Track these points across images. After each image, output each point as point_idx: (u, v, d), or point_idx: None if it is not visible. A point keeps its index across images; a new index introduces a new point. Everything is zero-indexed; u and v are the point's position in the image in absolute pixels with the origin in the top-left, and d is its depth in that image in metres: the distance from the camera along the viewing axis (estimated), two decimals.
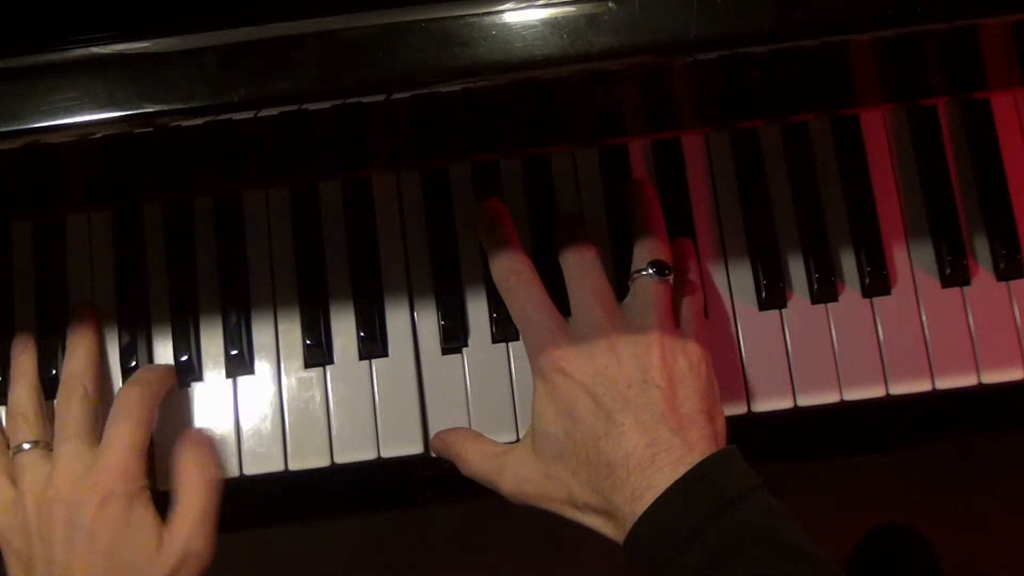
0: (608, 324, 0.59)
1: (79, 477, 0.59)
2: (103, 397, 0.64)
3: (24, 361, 0.64)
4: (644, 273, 0.61)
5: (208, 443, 0.63)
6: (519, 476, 0.59)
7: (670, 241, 0.64)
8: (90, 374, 0.63)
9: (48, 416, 0.63)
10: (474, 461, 0.61)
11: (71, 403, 0.62)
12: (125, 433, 0.60)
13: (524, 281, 0.61)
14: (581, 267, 0.62)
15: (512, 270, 0.62)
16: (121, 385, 0.65)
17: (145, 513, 0.59)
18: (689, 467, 0.54)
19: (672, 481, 0.54)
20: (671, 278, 0.61)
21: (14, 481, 0.61)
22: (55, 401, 0.63)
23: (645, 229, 0.63)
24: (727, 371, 0.65)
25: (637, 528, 0.54)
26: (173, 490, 0.61)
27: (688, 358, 0.59)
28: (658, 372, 0.57)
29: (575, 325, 0.60)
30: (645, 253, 0.62)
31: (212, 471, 0.61)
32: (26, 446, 0.61)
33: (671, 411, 0.56)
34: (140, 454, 0.60)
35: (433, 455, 0.64)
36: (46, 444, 0.62)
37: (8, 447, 0.62)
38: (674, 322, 0.60)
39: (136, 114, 0.47)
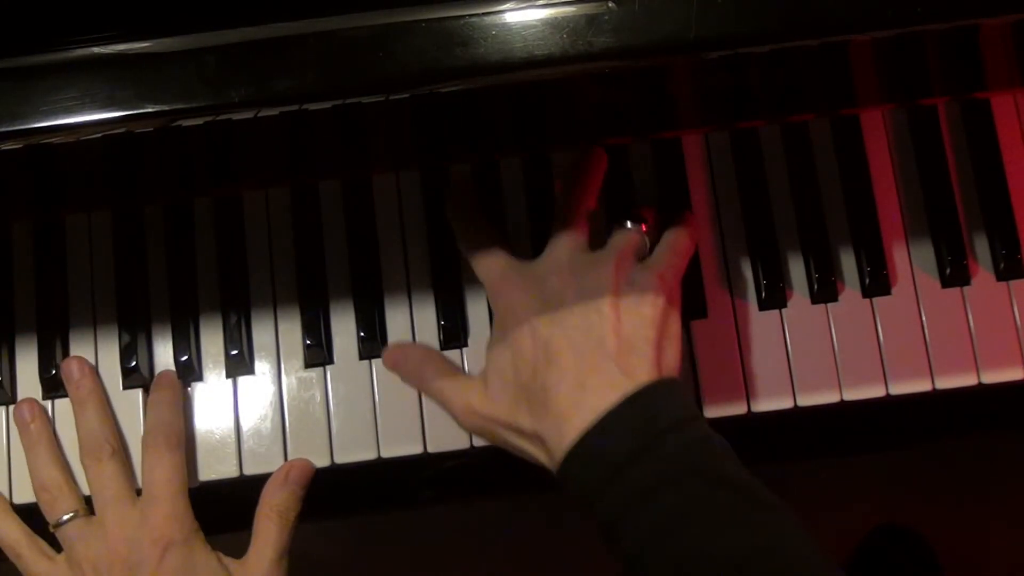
0: (567, 261, 0.59)
1: (133, 534, 0.60)
2: (105, 397, 0.64)
3: (36, 430, 0.64)
4: (617, 223, 0.61)
5: (295, 485, 0.63)
6: (470, 403, 0.59)
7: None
8: (108, 427, 0.63)
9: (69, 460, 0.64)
10: (431, 384, 0.61)
11: (102, 465, 0.62)
12: (164, 477, 0.61)
13: (480, 227, 0.63)
14: (571, 209, 0.62)
15: (470, 224, 0.63)
16: (121, 388, 0.65)
17: (206, 553, 0.61)
18: (623, 393, 0.53)
19: (601, 405, 0.53)
20: (644, 228, 0.61)
21: (53, 557, 0.63)
22: (81, 461, 0.63)
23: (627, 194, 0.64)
24: (727, 371, 0.65)
25: (568, 459, 0.53)
26: (254, 528, 0.62)
27: (642, 288, 0.58)
28: (605, 300, 0.57)
29: (540, 261, 0.60)
30: (622, 209, 0.63)
31: (292, 517, 0.62)
32: (66, 518, 0.62)
33: (611, 335, 0.55)
34: (184, 493, 0.62)
35: (387, 368, 0.64)
36: (85, 510, 0.62)
37: (48, 523, 0.63)
38: (634, 261, 0.60)
39: (136, 114, 0.47)
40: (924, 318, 0.66)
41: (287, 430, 0.65)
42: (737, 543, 0.51)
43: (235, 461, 0.64)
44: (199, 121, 0.49)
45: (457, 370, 0.62)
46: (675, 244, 0.62)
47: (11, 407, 0.65)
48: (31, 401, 0.64)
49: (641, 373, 0.55)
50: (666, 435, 0.52)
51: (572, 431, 0.53)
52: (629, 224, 0.61)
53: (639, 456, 0.52)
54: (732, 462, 0.53)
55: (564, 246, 0.60)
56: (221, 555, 0.62)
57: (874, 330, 0.66)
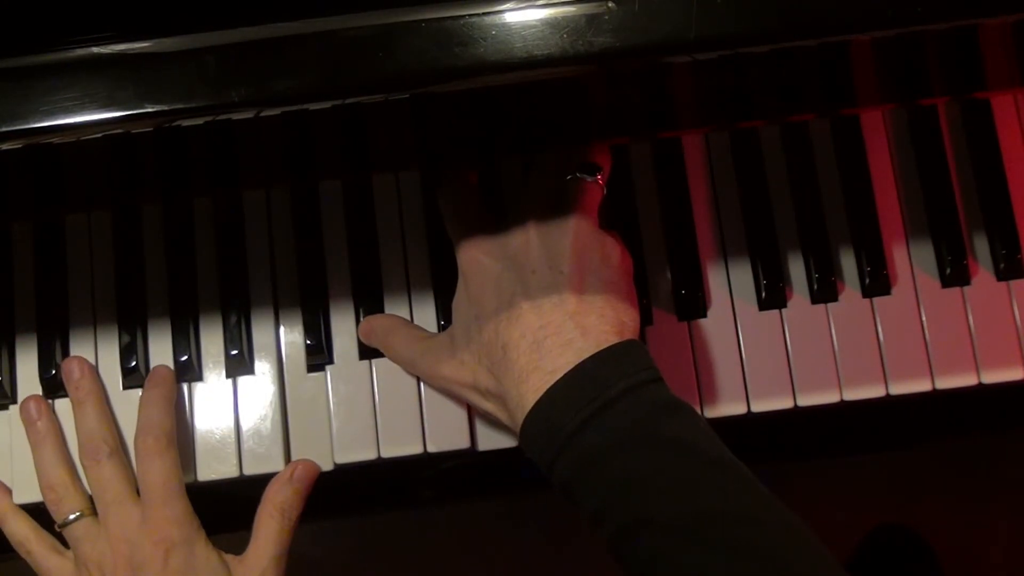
0: (530, 217, 0.59)
1: (134, 536, 0.60)
2: (105, 398, 0.64)
3: (43, 427, 0.64)
4: (571, 176, 0.61)
5: (299, 483, 0.63)
6: (435, 360, 0.60)
7: None
8: (106, 427, 0.63)
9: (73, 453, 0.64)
10: (399, 347, 0.62)
11: (100, 467, 0.62)
12: (159, 480, 0.61)
13: (459, 187, 0.63)
14: (538, 174, 0.62)
15: (453, 184, 0.64)
16: (121, 388, 0.65)
17: (208, 552, 0.61)
18: (580, 352, 0.53)
19: (558, 366, 0.53)
20: (600, 178, 0.61)
21: (62, 552, 0.63)
22: (80, 462, 0.63)
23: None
24: (727, 371, 0.65)
25: (526, 423, 0.53)
26: (255, 525, 0.62)
27: (603, 249, 0.58)
28: (566, 259, 0.57)
29: (506, 219, 0.60)
30: (575, 156, 0.62)
31: (294, 516, 0.62)
32: (72, 517, 0.62)
33: (571, 295, 0.56)
34: (181, 493, 0.62)
35: (362, 339, 0.65)
36: (91, 510, 0.62)
37: (54, 522, 0.63)
38: (595, 220, 0.60)
39: (136, 114, 0.47)
40: (924, 318, 0.66)
41: (287, 430, 0.65)
42: (689, 506, 0.51)
43: (235, 461, 0.64)
44: (199, 121, 0.49)
45: (424, 334, 0.63)
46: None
47: (12, 407, 0.65)
48: (38, 398, 0.64)
49: (599, 334, 0.54)
50: (618, 400, 0.52)
51: (530, 393, 0.53)
52: (578, 173, 0.61)
53: (590, 422, 0.52)
54: (692, 425, 0.53)
55: (532, 204, 0.60)
56: (221, 552, 0.62)
57: (874, 330, 0.66)
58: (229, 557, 0.62)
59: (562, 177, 0.61)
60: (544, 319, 0.55)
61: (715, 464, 0.52)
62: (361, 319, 0.65)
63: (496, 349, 0.56)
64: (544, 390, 0.53)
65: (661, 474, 0.51)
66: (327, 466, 0.64)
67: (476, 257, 0.59)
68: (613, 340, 0.54)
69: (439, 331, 0.65)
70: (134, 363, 0.65)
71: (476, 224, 0.61)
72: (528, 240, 0.58)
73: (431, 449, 0.64)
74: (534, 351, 0.54)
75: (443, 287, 0.66)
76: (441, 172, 0.65)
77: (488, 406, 0.58)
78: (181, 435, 0.64)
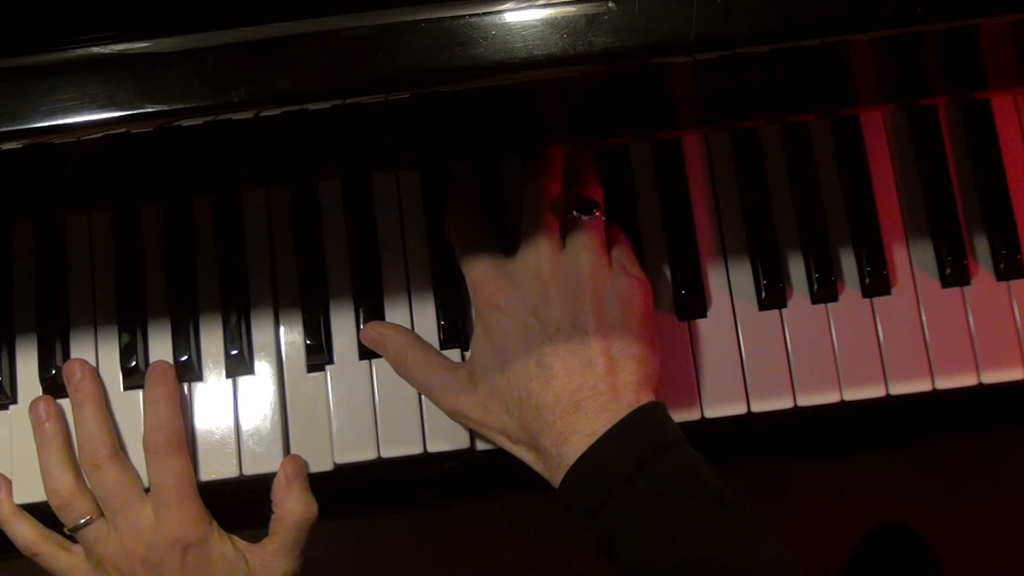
0: (546, 266, 0.59)
1: (149, 536, 0.61)
2: (106, 400, 0.64)
3: (51, 429, 0.63)
4: (571, 216, 0.61)
5: (297, 480, 0.63)
6: (459, 401, 0.60)
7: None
8: (106, 431, 0.63)
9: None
10: (414, 370, 0.62)
11: (103, 472, 0.62)
12: (172, 482, 0.61)
13: (472, 223, 0.63)
14: (536, 206, 0.62)
15: (464, 218, 0.64)
16: (122, 388, 0.65)
17: (223, 546, 0.62)
18: (614, 414, 0.56)
19: (595, 428, 0.55)
20: (599, 214, 0.61)
21: (70, 549, 0.63)
22: (82, 467, 0.63)
23: (569, 173, 0.64)
24: (727, 371, 0.65)
25: (569, 476, 0.56)
26: (275, 513, 0.63)
27: (620, 300, 0.59)
28: (588, 317, 0.58)
29: (516, 263, 0.61)
30: (573, 194, 0.62)
31: (314, 511, 0.63)
32: (82, 521, 0.62)
33: (600, 356, 0.57)
34: (194, 493, 0.62)
35: (365, 344, 0.65)
36: (99, 512, 0.63)
37: (64, 527, 0.63)
38: (607, 261, 0.60)
39: (136, 114, 0.47)
40: (924, 318, 0.66)
41: (287, 430, 0.65)
42: (735, 553, 0.53)
43: (235, 461, 0.64)
44: (199, 121, 0.49)
45: (439, 359, 0.63)
46: (622, 238, 0.63)
47: (12, 407, 0.65)
48: (48, 399, 0.64)
49: (629, 393, 0.57)
50: (657, 456, 0.55)
51: (570, 454, 0.56)
52: (576, 212, 0.61)
53: (635, 476, 0.54)
54: (720, 481, 0.56)
55: (539, 247, 0.60)
56: (236, 539, 0.63)
57: (874, 330, 0.66)
58: (245, 545, 0.63)
59: (560, 216, 0.61)
60: (576, 381, 0.57)
61: (753, 517, 0.55)
62: (362, 319, 0.65)
63: (528, 408, 0.57)
64: (583, 451, 0.55)
65: (709, 523, 0.54)
66: (327, 466, 0.64)
67: (495, 304, 0.59)
68: (643, 398, 0.57)
69: (439, 332, 0.65)
70: (134, 363, 0.65)
71: (490, 266, 0.61)
72: (546, 295, 0.58)
73: (431, 449, 0.64)
74: (571, 414, 0.56)
75: (443, 287, 0.66)
76: (447, 200, 0.65)
77: (520, 452, 0.60)
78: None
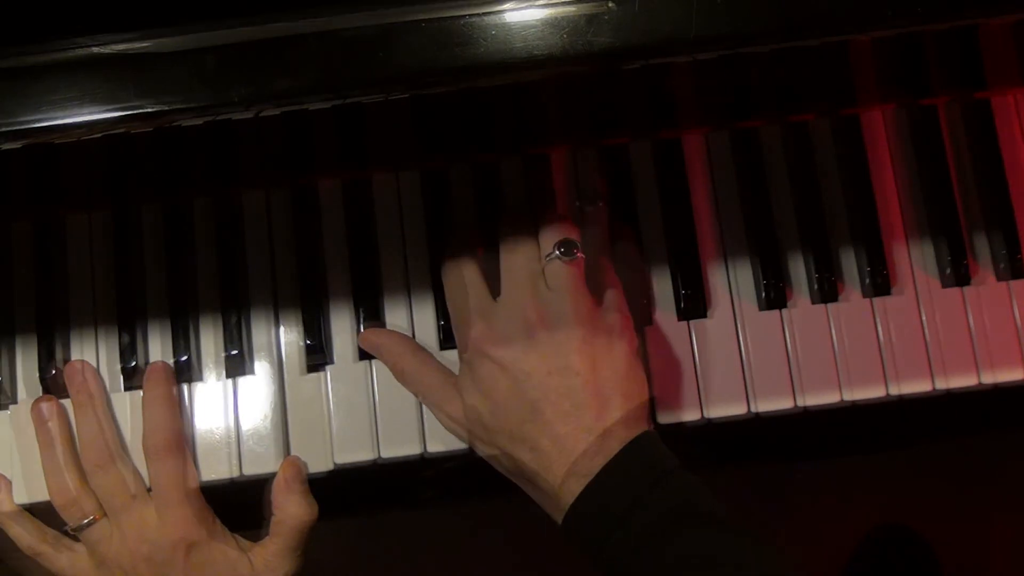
0: (531, 310, 0.59)
1: (152, 536, 0.61)
2: (107, 401, 0.64)
3: (54, 429, 0.63)
4: (552, 256, 0.61)
5: (296, 483, 0.64)
6: (453, 428, 0.62)
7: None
8: (108, 432, 0.63)
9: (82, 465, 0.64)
10: (413, 382, 0.63)
11: (105, 472, 0.62)
12: (173, 482, 0.62)
13: (459, 263, 0.63)
14: (515, 252, 0.62)
15: (453, 255, 0.64)
16: (122, 388, 0.65)
17: (226, 545, 0.63)
18: (608, 453, 0.56)
19: (591, 468, 0.56)
20: (579, 255, 0.61)
21: (72, 547, 0.64)
22: (84, 468, 0.63)
23: (545, 211, 0.64)
24: (728, 371, 0.65)
25: (568, 518, 0.57)
26: (274, 515, 0.63)
27: (608, 339, 0.59)
28: (577, 358, 0.58)
29: (500, 307, 0.61)
30: (549, 236, 0.62)
31: (314, 513, 0.63)
32: (85, 522, 0.62)
33: (592, 397, 0.58)
34: (195, 492, 0.63)
35: (363, 348, 0.65)
36: (102, 512, 0.63)
37: (68, 527, 0.63)
38: (590, 301, 0.61)
39: (136, 114, 0.47)
40: (924, 318, 0.66)
41: (287, 431, 0.65)
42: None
43: (235, 461, 0.64)
44: (199, 121, 0.49)
45: (438, 372, 0.63)
46: (606, 272, 0.63)
47: (12, 407, 0.65)
48: (51, 399, 0.64)
49: (621, 430, 0.57)
50: (652, 489, 0.56)
51: (568, 495, 0.57)
52: (559, 252, 0.61)
53: (630, 513, 0.55)
54: (716, 503, 0.56)
55: (522, 291, 0.60)
56: (238, 538, 0.64)
57: (875, 330, 0.66)
58: (247, 544, 0.64)
59: (537, 261, 0.61)
60: (569, 424, 0.57)
61: (755, 539, 0.55)
62: (361, 319, 0.65)
63: (524, 450, 0.58)
64: (580, 492, 0.56)
65: (714, 548, 0.54)
66: (326, 466, 0.64)
67: (480, 350, 0.60)
68: (635, 431, 0.58)
69: (438, 332, 0.65)
70: (134, 363, 0.65)
71: (475, 308, 0.61)
72: (533, 339, 0.59)
73: (431, 450, 0.64)
74: (566, 457, 0.57)
75: (442, 288, 0.66)
76: (447, 245, 0.65)
77: (517, 482, 0.61)
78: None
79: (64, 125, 0.47)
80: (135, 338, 0.65)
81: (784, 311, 0.66)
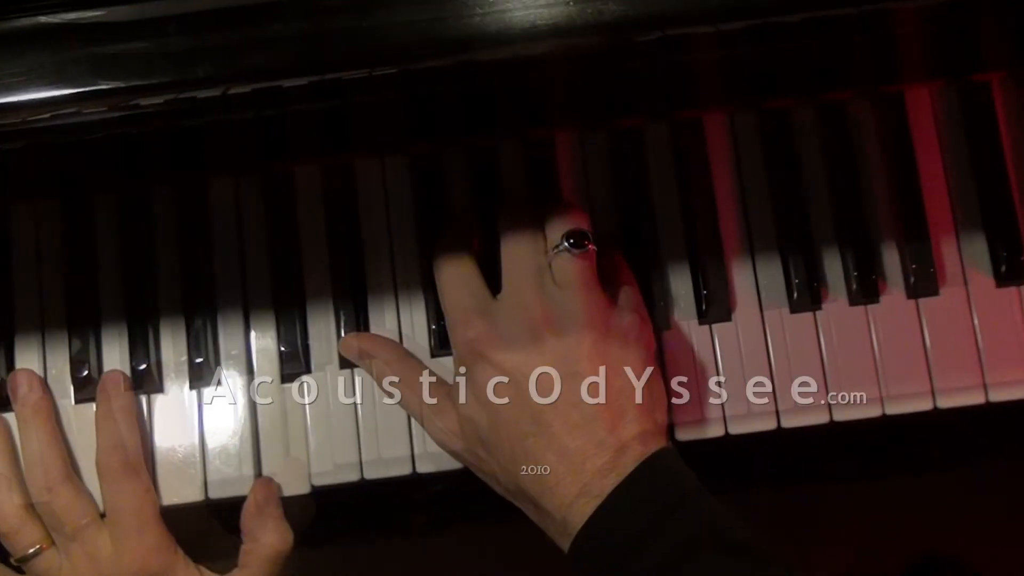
0: (536, 309, 0.59)
1: (107, 566, 0.62)
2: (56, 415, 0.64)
3: None
4: (560, 249, 0.61)
5: (269, 507, 0.64)
6: (446, 444, 0.62)
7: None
8: (56, 451, 0.63)
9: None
10: (401, 392, 0.63)
11: (54, 495, 0.62)
12: (132, 507, 0.62)
13: (454, 256, 0.63)
14: (519, 244, 0.62)
15: (447, 247, 0.63)
16: (73, 402, 0.65)
17: (187, 573, 0.63)
18: (622, 471, 0.56)
19: (603, 488, 0.56)
20: (591, 247, 0.61)
21: None
22: (31, 493, 0.63)
23: (554, 200, 0.64)
24: (753, 382, 0.65)
25: (578, 542, 0.56)
26: (245, 543, 0.63)
27: (623, 343, 0.59)
28: (587, 363, 0.58)
29: (502, 306, 0.61)
30: (558, 225, 0.62)
31: (289, 541, 0.63)
32: (31, 551, 0.63)
33: (603, 409, 0.57)
34: (156, 518, 0.63)
35: (344, 356, 0.65)
36: (50, 541, 0.63)
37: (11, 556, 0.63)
38: (603, 299, 0.61)
39: (89, 92, 0.47)
40: (976, 321, 0.66)
41: (259, 449, 0.65)
42: None
43: (200, 483, 0.64)
44: (159, 100, 0.49)
45: (428, 377, 0.63)
46: (621, 267, 0.64)
47: None
48: None
49: (637, 445, 0.57)
50: (669, 515, 0.55)
51: (577, 517, 0.56)
52: (568, 243, 0.60)
53: (646, 540, 0.55)
54: (740, 527, 0.56)
55: (527, 286, 0.60)
56: (203, 570, 0.64)
57: (920, 335, 0.66)
58: None
59: (543, 254, 0.61)
60: (579, 439, 0.57)
61: (775, 564, 0.55)
62: (343, 323, 0.65)
63: (525, 467, 0.58)
64: (590, 513, 0.56)
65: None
66: (303, 488, 0.64)
67: (478, 352, 0.59)
68: (652, 447, 0.57)
69: (431, 337, 0.66)
70: (86, 373, 0.65)
71: (472, 305, 0.61)
72: (539, 340, 0.58)
73: (421, 470, 0.64)
74: (576, 475, 0.56)
75: (434, 287, 0.66)
76: (438, 235, 0.65)
77: (517, 503, 0.60)
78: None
79: (7, 105, 0.47)
80: (88, 344, 0.65)
81: (818, 313, 0.66)
